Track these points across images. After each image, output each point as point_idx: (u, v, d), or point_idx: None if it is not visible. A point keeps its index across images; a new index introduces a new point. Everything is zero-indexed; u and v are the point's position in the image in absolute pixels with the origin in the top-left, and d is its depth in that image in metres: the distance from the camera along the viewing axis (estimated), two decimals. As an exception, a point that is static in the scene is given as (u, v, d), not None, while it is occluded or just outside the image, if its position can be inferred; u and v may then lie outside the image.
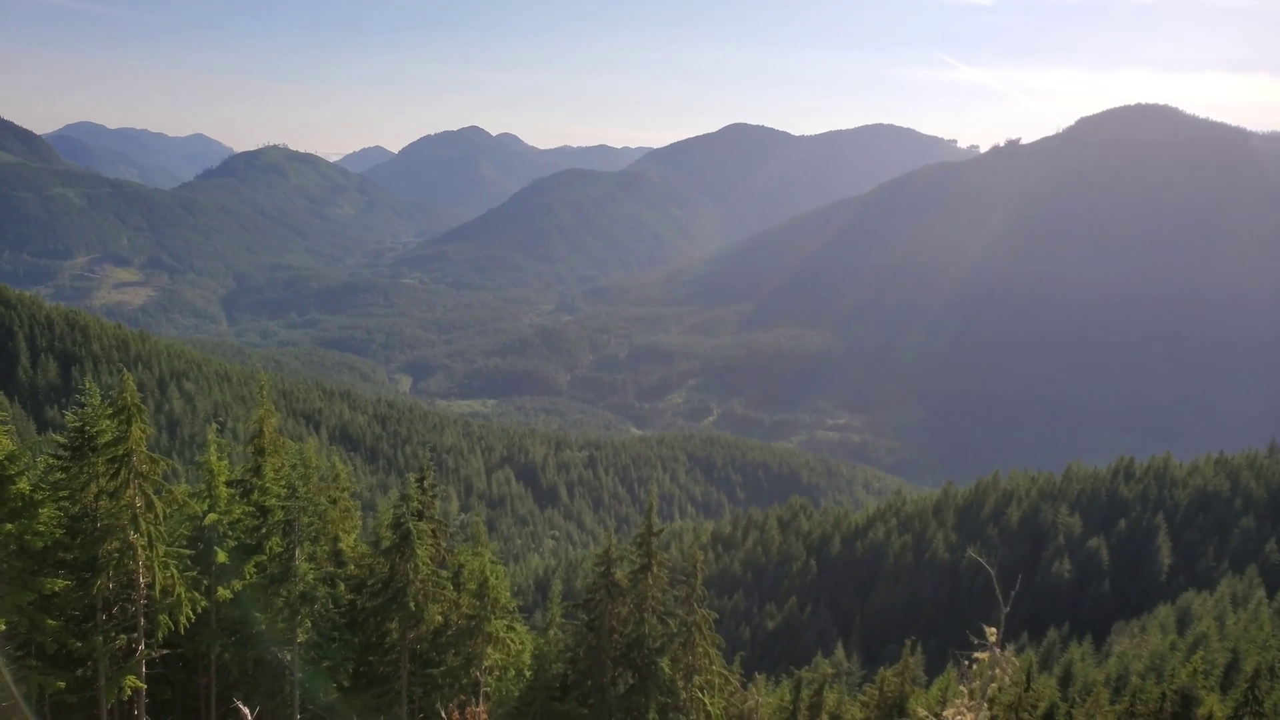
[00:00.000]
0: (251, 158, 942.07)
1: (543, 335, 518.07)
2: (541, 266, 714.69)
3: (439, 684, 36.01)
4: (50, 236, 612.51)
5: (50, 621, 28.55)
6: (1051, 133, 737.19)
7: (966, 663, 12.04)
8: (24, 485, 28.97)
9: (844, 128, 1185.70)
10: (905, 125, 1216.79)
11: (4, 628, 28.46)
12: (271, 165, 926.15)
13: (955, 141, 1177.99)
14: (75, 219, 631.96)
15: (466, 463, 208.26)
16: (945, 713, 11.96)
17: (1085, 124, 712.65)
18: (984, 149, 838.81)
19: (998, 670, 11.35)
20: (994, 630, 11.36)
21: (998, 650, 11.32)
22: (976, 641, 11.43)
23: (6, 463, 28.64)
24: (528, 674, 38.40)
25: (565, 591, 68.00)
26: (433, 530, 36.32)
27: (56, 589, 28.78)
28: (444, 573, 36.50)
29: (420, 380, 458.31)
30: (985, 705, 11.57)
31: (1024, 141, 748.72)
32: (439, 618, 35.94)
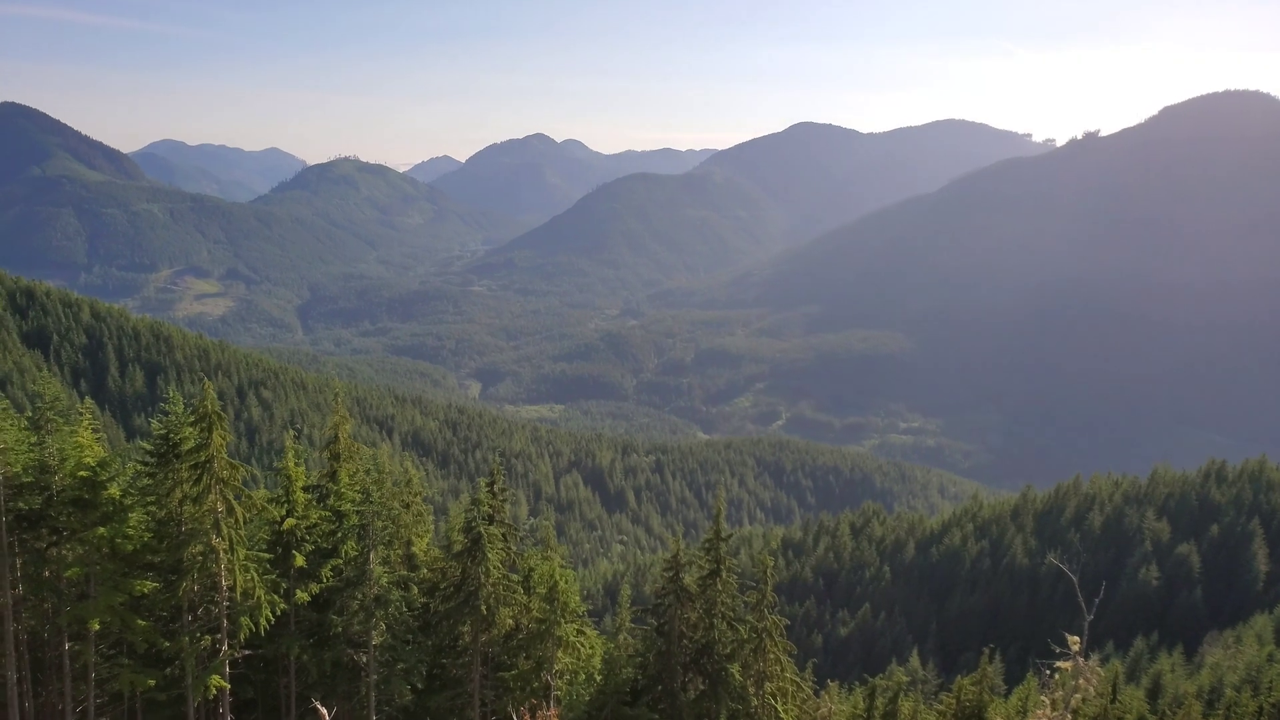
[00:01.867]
0: (324, 170, 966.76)
1: (608, 340, 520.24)
2: (606, 272, 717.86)
3: (511, 687, 36.28)
4: (136, 250, 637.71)
5: (140, 622, 29.57)
6: (1132, 123, 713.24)
7: (1048, 672, 11.66)
8: (114, 490, 30.09)
9: (913, 124, 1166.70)
10: (977, 120, 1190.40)
11: (98, 627, 29.57)
12: (343, 177, 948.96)
13: (1030, 135, 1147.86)
14: (159, 233, 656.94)
15: (535, 467, 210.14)
16: (1027, 723, 11.57)
17: (1169, 113, 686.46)
18: (1060, 142, 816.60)
19: (1081, 680, 10.96)
20: (1077, 639, 10.98)
21: (1081, 660, 10.92)
22: (1058, 650, 11.06)
23: (98, 469, 29.77)
24: (598, 678, 38.43)
25: (634, 596, 67.94)
26: (503, 534, 36.64)
27: (145, 590, 29.81)
28: (514, 576, 36.80)
29: (489, 386, 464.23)
30: (1069, 716, 11.17)
31: (1103, 134, 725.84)
32: (510, 621, 36.24)
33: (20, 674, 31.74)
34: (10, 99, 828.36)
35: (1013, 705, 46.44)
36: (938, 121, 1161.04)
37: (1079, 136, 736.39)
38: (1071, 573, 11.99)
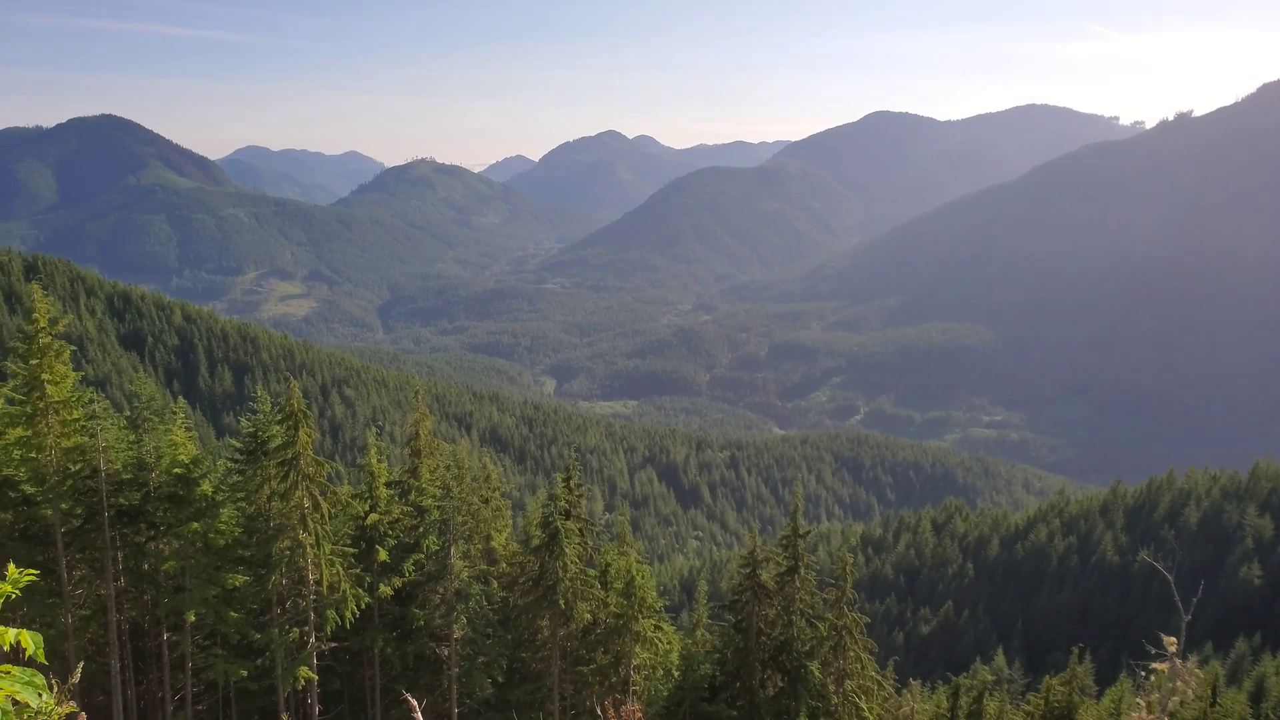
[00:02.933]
0: (401, 172, 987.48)
1: (681, 335, 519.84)
2: (678, 267, 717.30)
3: (589, 681, 36.49)
4: (224, 254, 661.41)
5: (233, 614, 30.58)
6: (1228, 102, 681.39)
7: (1143, 673, 11.21)
8: (206, 487, 31.18)
9: (993, 110, 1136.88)
10: (1060, 104, 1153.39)
11: (194, 619, 30.69)
12: (420, 178, 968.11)
13: (1117, 119, 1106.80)
14: (245, 237, 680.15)
15: (610, 463, 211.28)
16: (1121, 726, 11.15)
17: (1268, 90, 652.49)
18: (1150, 124, 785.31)
19: (1179, 682, 10.53)
20: (1173, 639, 10.54)
21: (1178, 661, 10.50)
22: (1154, 651, 10.66)
23: (191, 466, 30.88)
24: (675, 674, 38.40)
25: (710, 593, 67.74)
26: (580, 529, 36.83)
27: (237, 584, 30.83)
28: (591, 571, 36.96)
29: (563, 382, 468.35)
30: (1166, 718, 10.73)
31: (1196, 114, 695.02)
32: (588, 616, 36.42)
33: (123, 662, 33.11)
34: (108, 111, 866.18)
35: (1104, 707, 44.92)
36: (1019, 107, 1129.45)
37: (1170, 118, 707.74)
38: (1166, 571, 11.44)
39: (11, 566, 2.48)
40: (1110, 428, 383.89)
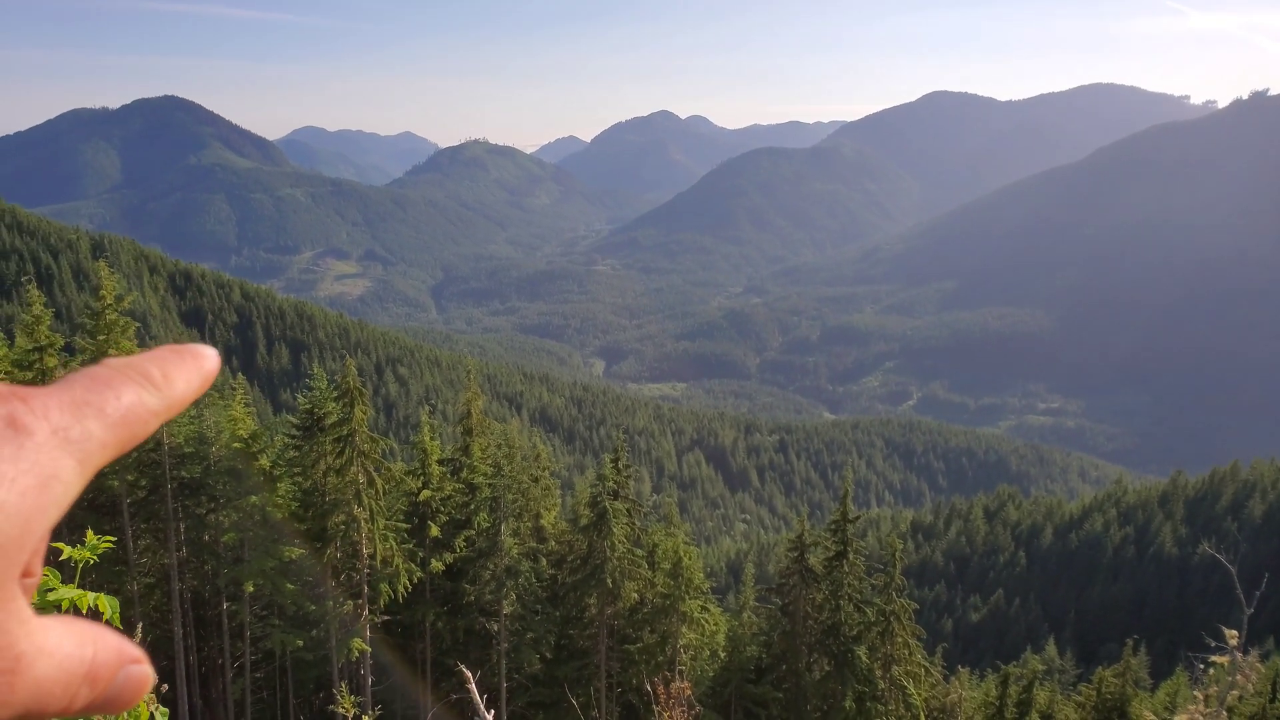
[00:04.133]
0: (455, 153, 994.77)
1: (731, 318, 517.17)
2: (729, 249, 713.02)
3: (636, 660, 36.80)
4: (281, 233, 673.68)
5: (289, 586, 31.38)
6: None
7: (1201, 666, 11.02)
8: (265, 462, 31.95)
9: (1056, 90, 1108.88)
10: (1127, 84, 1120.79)
11: (252, 589, 31.55)
12: (473, 159, 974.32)
13: (1187, 98, 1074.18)
14: (302, 216, 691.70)
15: (658, 445, 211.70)
16: (1176, 718, 10.98)
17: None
18: (1223, 104, 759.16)
19: (1239, 676, 10.35)
20: (1235, 633, 10.34)
21: (1239, 654, 10.30)
22: (1213, 644, 10.47)
23: (250, 441, 31.66)
24: (722, 655, 38.57)
25: (758, 576, 67.80)
26: (628, 510, 37.06)
27: (294, 556, 31.61)
28: (639, 551, 37.20)
29: (613, 364, 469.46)
30: (1224, 713, 10.55)
31: (1272, 92, 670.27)
32: (635, 595, 36.70)
33: (185, 630, 34.22)
34: (170, 93, 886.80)
35: (1159, 700, 44.11)
36: (1083, 86, 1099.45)
37: (1244, 97, 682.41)
38: (1229, 563, 11.22)
39: (90, 533, 2.60)
40: (1172, 417, 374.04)
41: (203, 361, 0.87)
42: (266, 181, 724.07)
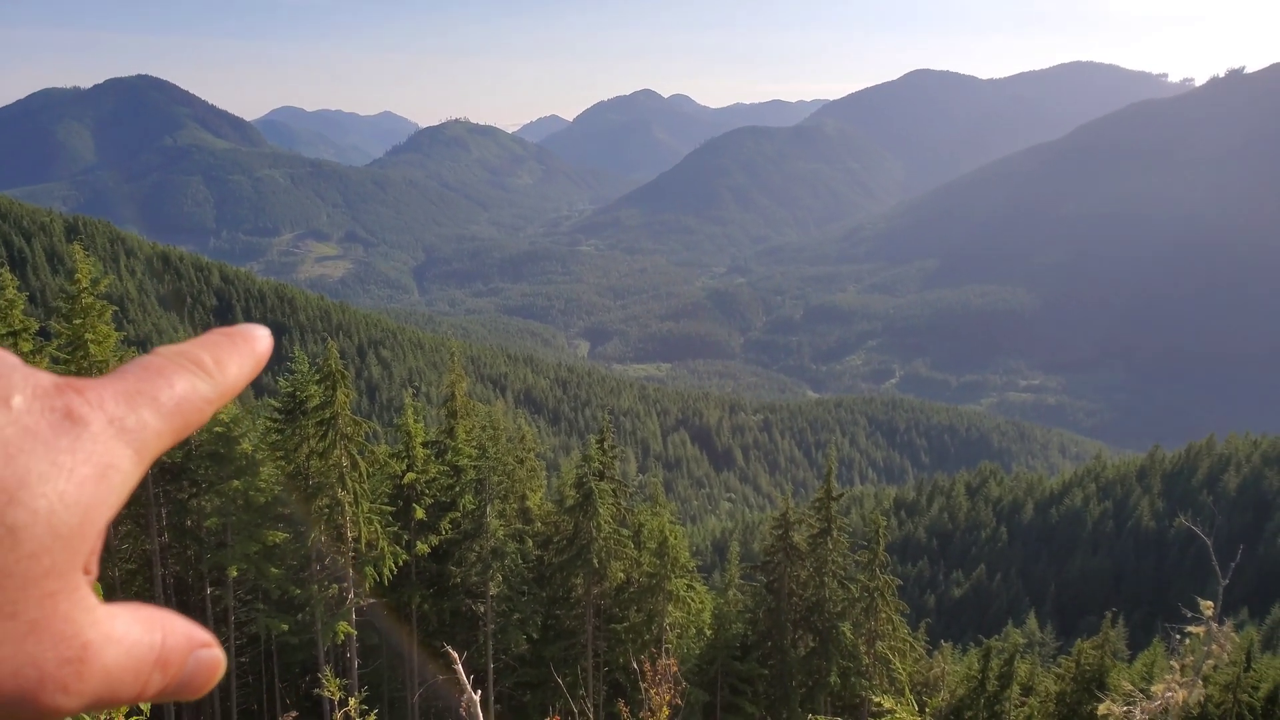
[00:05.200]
0: (435, 132, 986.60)
1: (715, 298, 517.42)
2: (713, 228, 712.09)
3: (622, 639, 36.96)
4: (260, 215, 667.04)
5: (273, 570, 31.26)
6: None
7: (1178, 637, 11.12)
8: (247, 446, 31.72)
9: (1037, 68, 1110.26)
10: (1107, 61, 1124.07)
11: (236, 574, 31.42)
12: (454, 139, 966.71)
13: (1165, 76, 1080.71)
14: (281, 198, 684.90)
15: (643, 425, 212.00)
16: (1154, 688, 11.09)
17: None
18: (1200, 81, 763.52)
19: (1214, 647, 10.45)
20: (1210, 604, 10.44)
21: (1214, 625, 10.41)
22: (1189, 615, 10.57)
23: (232, 425, 31.40)
24: (708, 633, 38.77)
25: (743, 554, 68.15)
26: (613, 490, 37.10)
27: (277, 540, 31.46)
28: (625, 531, 37.27)
29: (597, 345, 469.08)
30: (1199, 682, 10.66)
31: (1249, 70, 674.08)
32: (621, 575, 36.80)
33: (168, 614, 33.96)
34: (144, 72, 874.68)
35: (1136, 670, 44.67)
36: (1064, 64, 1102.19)
37: (1221, 75, 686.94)
38: (1205, 536, 11.31)
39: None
40: (1150, 392, 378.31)
41: (255, 344, 0.86)
42: (244, 162, 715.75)
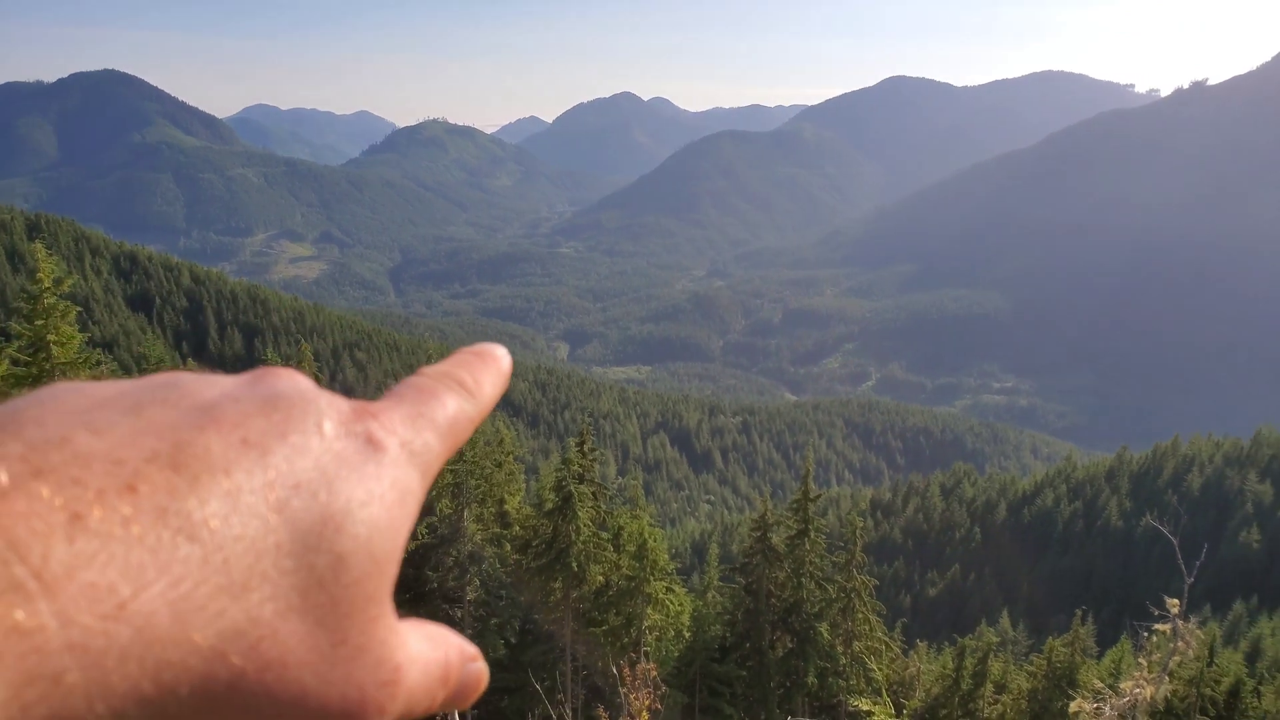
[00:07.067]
0: (412, 133, 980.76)
1: (695, 301, 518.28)
2: (693, 231, 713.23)
3: (601, 642, 37.01)
4: (232, 215, 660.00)
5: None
6: (1244, 70, 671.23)
7: (1145, 634, 11.39)
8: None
9: (1010, 76, 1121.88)
10: (1076, 71, 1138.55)
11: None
12: (431, 139, 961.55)
13: (1132, 86, 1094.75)
14: (254, 197, 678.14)
15: (623, 428, 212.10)
16: (1122, 685, 11.34)
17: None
18: (1165, 92, 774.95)
19: (1180, 643, 10.71)
20: (1176, 601, 10.70)
21: (1180, 622, 10.67)
22: (1156, 612, 10.83)
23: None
24: (687, 635, 38.91)
25: (722, 555, 68.37)
26: (593, 493, 37.16)
27: (254, 543, 31.21)
28: (604, 534, 37.34)
29: (577, 348, 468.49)
30: (1165, 678, 10.92)
31: (1211, 82, 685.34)
32: (600, 578, 36.85)
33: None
34: (111, 66, 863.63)
35: (1105, 667, 45.26)
36: (1036, 73, 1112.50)
37: (1185, 86, 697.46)
38: (1171, 535, 11.62)
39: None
40: (1118, 395, 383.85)
41: (501, 363, 0.85)
42: (216, 161, 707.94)
